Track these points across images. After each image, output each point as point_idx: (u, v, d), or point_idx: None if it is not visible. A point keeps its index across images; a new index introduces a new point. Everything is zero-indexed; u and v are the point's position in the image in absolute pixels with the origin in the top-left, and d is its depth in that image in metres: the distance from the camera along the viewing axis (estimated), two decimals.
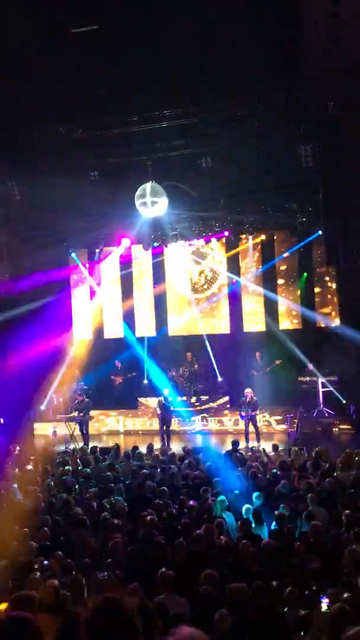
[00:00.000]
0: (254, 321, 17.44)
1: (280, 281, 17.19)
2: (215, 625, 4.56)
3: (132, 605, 1.67)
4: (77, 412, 14.97)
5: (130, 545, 6.81)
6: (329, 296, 16.90)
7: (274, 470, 9.67)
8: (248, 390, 13.92)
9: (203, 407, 16.09)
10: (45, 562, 6.22)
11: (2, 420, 16.05)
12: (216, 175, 13.94)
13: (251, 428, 13.76)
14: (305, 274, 16.89)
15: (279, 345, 16.13)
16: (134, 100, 12.85)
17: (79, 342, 17.95)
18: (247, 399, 13.73)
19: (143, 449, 12.00)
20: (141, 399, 16.72)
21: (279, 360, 15.83)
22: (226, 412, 15.87)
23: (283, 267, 17.18)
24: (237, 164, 13.72)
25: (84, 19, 11.80)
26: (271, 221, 16.18)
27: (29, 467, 10.83)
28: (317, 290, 16.89)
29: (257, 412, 13.93)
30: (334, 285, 16.73)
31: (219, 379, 16.73)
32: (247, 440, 13.56)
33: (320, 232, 15.36)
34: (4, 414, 16.07)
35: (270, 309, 17.14)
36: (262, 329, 17.23)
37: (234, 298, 17.59)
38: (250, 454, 11.91)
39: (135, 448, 11.89)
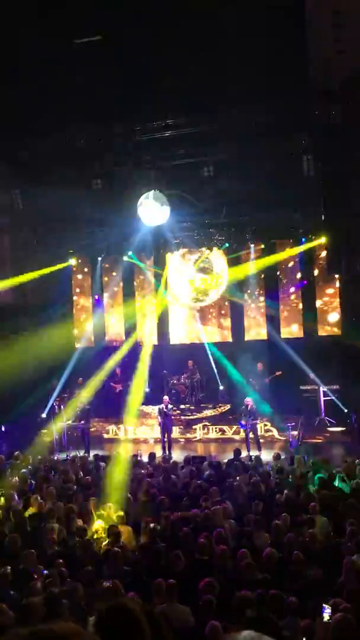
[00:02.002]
0: (256, 330, 17.44)
1: (281, 290, 17.20)
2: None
3: (140, 610, 1.65)
4: (78, 420, 14.95)
5: (131, 554, 6.79)
6: (330, 305, 16.89)
7: (276, 479, 9.66)
8: (248, 399, 13.90)
9: (204, 415, 16.07)
10: (45, 571, 6.20)
11: (2, 428, 16.03)
12: (218, 184, 14.01)
13: (252, 436, 13.74)
14: None
15: (280, 354, 16.10)
16: (138, 110, 12.97)
17: (80, 350, 17.95)
18: (248, 408, 13.71)
19: (144, 457, 11.98)
20: (142, 407, 16.69)
21: (279, 371, 15.81)
22: (227, 420, 15.85)
23: (284, 276, 17.19)
24: (240, 173, 13.79)
25: (90, 30, 11.94)
26: (273, 230, 16.23)
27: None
28: (318, 299, 16.89)
29: (258, 421, 13.91)
30: (336, 294, 16.72)
31: (220, 387, 16.70)
32: (248, 449, 13.51)
33: (322, 241, 15.43)
34: (5, 422, 16.04)
35: (272, 317, 17.13)
36: (264, 337, 17.22)
37: (236, 306, 17.59)
38: (251, 462, 11.87)
39: (136, 456, 11.86)
